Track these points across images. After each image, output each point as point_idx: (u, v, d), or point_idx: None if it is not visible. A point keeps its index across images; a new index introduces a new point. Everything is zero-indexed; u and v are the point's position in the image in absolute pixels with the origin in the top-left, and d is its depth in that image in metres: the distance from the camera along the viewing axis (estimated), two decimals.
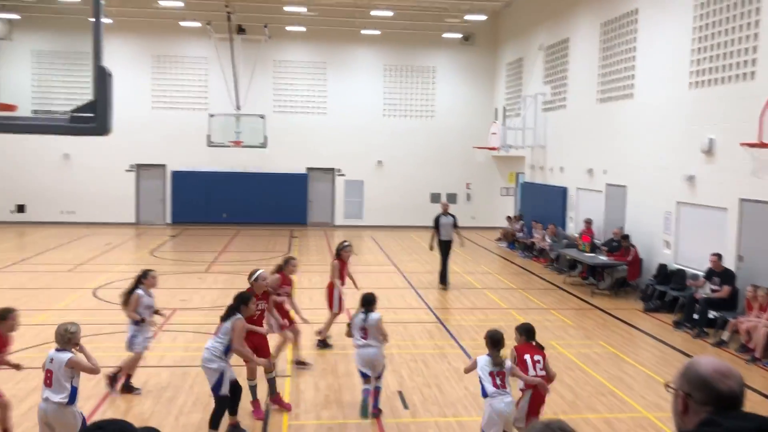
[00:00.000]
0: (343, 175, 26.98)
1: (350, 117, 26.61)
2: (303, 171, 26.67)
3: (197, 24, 24.57)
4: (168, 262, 18.10)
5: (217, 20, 23.91)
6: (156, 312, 8.89)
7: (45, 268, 16.63)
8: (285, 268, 9.36)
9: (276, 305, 9.01)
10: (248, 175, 26.19)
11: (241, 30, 24.67)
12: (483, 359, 6.25)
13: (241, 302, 7.29)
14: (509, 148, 21.98)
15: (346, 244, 10.97)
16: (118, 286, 14.64)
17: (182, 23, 24.60)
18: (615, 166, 16.51)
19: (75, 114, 4.72)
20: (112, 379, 8.42)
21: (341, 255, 10.79)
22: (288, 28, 25.37)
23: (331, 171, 26.98)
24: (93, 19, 4.67)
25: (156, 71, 25.63)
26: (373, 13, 23.48)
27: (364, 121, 26.69)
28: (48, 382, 5.95)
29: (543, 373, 6.42)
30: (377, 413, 7.79)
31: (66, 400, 5.90)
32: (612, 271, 15.16)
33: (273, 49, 25.80)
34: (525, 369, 6.34)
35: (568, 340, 11.25)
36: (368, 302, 7.80)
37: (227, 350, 7.07)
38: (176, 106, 25.93)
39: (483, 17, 24.65)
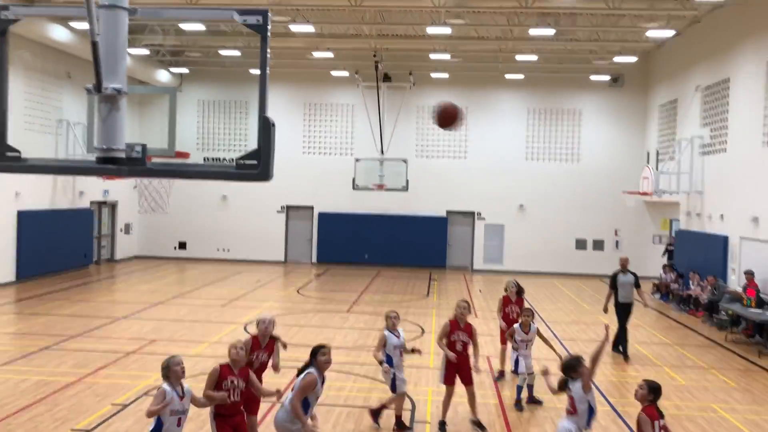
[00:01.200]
0: (483, 218, 26.78)
1: (492, 160, 26.49)
2: (443, 214, 26.78)
3: (346, 73, 25.73)
4: (313, 301, 18.73)
5: (365, 69, 24.91)
6: (412, 350, 8.64)
7: (202, 302, 17.76)
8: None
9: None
10: (390, 218, 26.71)
11: (387, 78, 25.53)
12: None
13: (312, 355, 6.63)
14: (662, 193, 20.80)
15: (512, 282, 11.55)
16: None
17: (332, 73, 25.87)
18: None
19: (240, 161, 5.05)
20: (375, 414, 8.78)
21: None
22: (432, 75, 25.89)
23: (471, 214, 26.88)
24: (259, 72, 5.01)
25: (307, 118, 27.03)
26: (518, 57, 23.42)
27: (506, 165, 26.45)
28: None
29: None
30: None
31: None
32: None
33: (417, 95, 26.41)
34: None
35: (732, 404, 10.27)
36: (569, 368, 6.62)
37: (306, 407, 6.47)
38: (324, 151, 27.13)
39: (633, 59, 23.82)
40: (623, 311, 13.15)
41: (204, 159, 25.60)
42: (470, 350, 8.72)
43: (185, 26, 19.78)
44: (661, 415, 6.01)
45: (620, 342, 13.13)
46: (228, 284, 21.07)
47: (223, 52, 23.69)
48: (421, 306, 18.32)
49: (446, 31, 19.90)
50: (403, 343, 8.63)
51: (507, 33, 21.40)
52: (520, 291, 11.38)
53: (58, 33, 19.01)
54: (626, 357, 12.97)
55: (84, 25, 19.34)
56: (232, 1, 17.22)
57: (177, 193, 25.79)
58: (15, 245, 19.57)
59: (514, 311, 11.10)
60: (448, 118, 6.74)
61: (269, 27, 5.00)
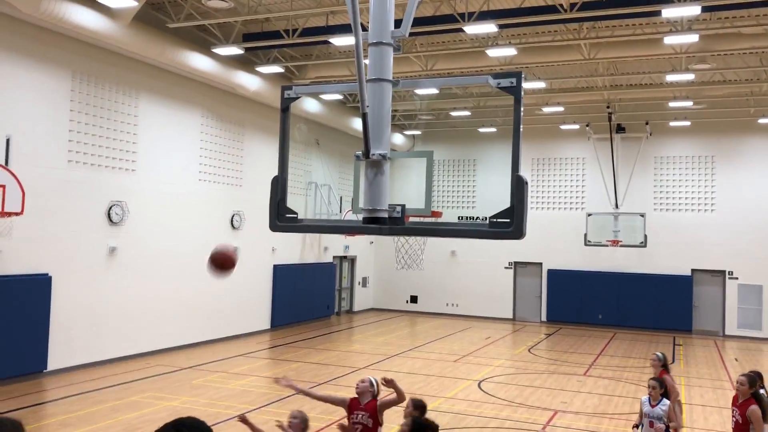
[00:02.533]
0: (735, 278, 24.11)
1: (744, 213, 23.92)
2: (687, 273, 24.60)
3: (576, 126, 25.20)
4: (544, 361, 18.14)
5: (596, 121, 24.19)
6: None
7: (435, 356, 18.09)
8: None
9: None
10: (626, 276, 25.18)
11: (620, 129, 24.54)
12: None
13: None
14: None
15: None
16: (500, 380, 15.16)
17: (562, 127, 25.50)
18: None
19: (493, 219, 5.14)
20: None
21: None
22: (671, 124, 24.35)
23: (721, 273, 24.36)
24: (513, 132, 5.10)
25: (535, 173, 26.81)
26: None
27: (761, 218, 23.70)
28: None
29: None
30: None
31: None
32: None
33: (654, 145, 24.98)
34: None
35: None
36: None
37: None
38: (554, 206, 26.60)
39: None
40: None
41: (458, 218, 26.49)
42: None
43: (420, 91, 20.90)
44: None
45: None
46: (458, 339, 21.24)
47: (454, 113, 24.56)
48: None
49: (689, 77, 18.70)
50: (658, 415, 7.92)
51: (760, 74, 19.50)
52: (665, 365, 9.41)
53: (310, 105, 21.17)
54: None
55: (331, 97, 21.35)
56: (459, 65, 17.81)
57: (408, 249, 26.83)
58: (271, 296, 21.72)
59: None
60: (221, 263, 6.16)
61: (523, 87, 5.09)
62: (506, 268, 27.13)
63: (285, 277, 22.17)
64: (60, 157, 14.24)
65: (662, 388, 8.02)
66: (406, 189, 23.80)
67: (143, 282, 16.45)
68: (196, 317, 18.23)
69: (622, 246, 23.28)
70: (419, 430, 5.67)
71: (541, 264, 26.64)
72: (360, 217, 5.31)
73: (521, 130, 5.07)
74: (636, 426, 8.11)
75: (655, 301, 24.62)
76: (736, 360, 19.11)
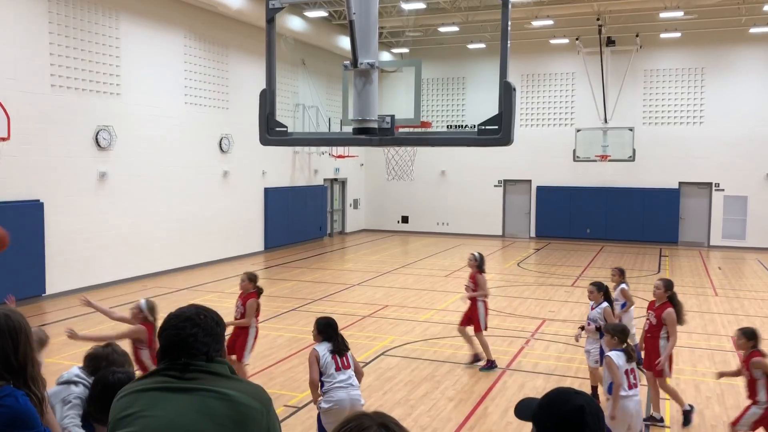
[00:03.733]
0: (721, 190, 24.43)
1: (732, 125, 23.99)
2: (674, 186, 24.89)
3: (565, 41, 24.83)
4: (533, 274, 18.57)
5: (586, 35, 23.85)
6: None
7: (426, 272, 18.47)
8: None
9: None
10: (614, 190, 25.45)
11: (610, 42, 24.23)
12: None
13: None
14: None
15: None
16: (490, 293, 15.54)
17: (551, 41, 25.12)
18: None
19: (482, 127, 5.19)
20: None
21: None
22: (662, 36, 24.02)
23: (707, 186, 24.66)
24: (501, 38, 5.09)
25: (525, 90, 26.59)
26: (766, 8, 20.84)
27: (749, 130, 23.79)
28: None
29: None
30: None
31: None
32: None
33: (644, 58, 24.74)
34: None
35: None
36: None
37: None
38: (543, 123, 26.54)
39: None
40: None
41: (447, 127, 26.33)
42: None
43: (407, 6, 20.43)
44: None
45: None
46: (449, 256, 21.63)
47: (442, 29, 24.10)
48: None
49: None
50: (593, 317, 8.34)
51: None
52: (480, 265, 9.82)
53: (295, 23, 20.69)
54: None
55: (316, 14, 20.84)
56: None
57: (400, 170, 26.86)
58: (263, 218, 21.89)
59: (469, 287, 9.92)
60: None
61: None
62: (495, 186, 27.31)
63: (276, 200, 22.28)
64: (43, 83, 14.00)
65: (600, 291, 8.37)
66: (395, 101, 23.65)
67: (135, 206, 16.52)
68: (190, 240, 18.42)
69: (610, 161, 23.44)
70: (325, 327, 6.48)
71: (530, 181, 26.83)
72: (350, 129, 5.35)
73: (509, 36, 5.06)
74: (581, 327, 8.63)
75: (643, 215, 25.00)
76: (720, 269, 19.64)
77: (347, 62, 5.14)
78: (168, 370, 2.32)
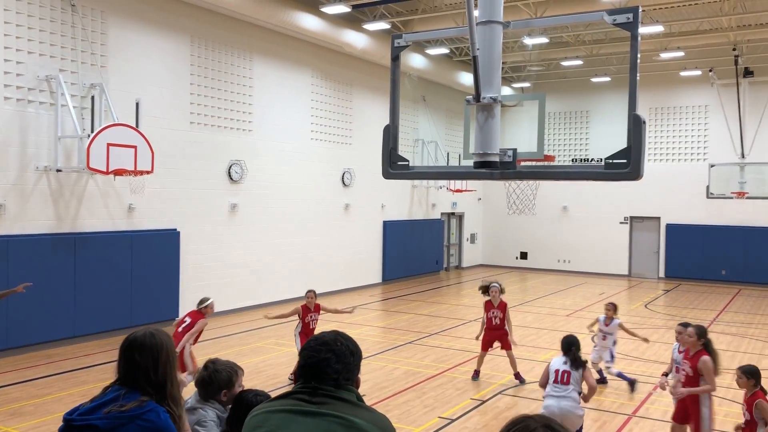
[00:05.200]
0: None
1: None
2: None
3: (697, 72, 23.68)
4: (662, 316, 17.56)
5: (720, 66, 22.65)
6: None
7: (546, 310, 17.94)
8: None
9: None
10: (753, 230, 23.70)
11: (748, 73, 22.86)
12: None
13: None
14: None
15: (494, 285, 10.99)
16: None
17: (682, 73, 24.03)
18: None
19: (609, 160, 5.04)
20: None
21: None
22: None
23: None
24: (629, 70, 4.96)
25: (653, 123, 25.50)
26: None
27: None
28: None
29: None
30: None
31: None
32: None
33: None
34: None
35: None
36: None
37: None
38: (672, 158, 25.29)
39: None
40: None
41: (572, 160, 25.77)
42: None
43: (529, 41, 20.31)
44: None
45: None
46: (570, 295, 20.92)
47: (565, 63, 23.71)
48: None
49: None
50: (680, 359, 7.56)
51: None
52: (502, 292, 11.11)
53: (416, 60, 21.12)
54: None
55: (437, 51, 21.19)
56: (568, 11, 17.09)
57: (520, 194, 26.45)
58: (381, 251, 22.22)
59: (497, 316, 10.93)
60: None
61: (640, 23, 4.92)
62: (621, 222, 26.21)
63: (395, 233, 22.57)
64: (183, 119, 15.11)
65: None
66: (517, 135, 23.36)
67: (262, 237, 17.31)
68: (312, 270, 19.00)
69: (748, 198, 21.85)
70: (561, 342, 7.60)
71: (659, 218, 25.54)
72: (471, 163, 5.36)
73: (638, 67, 4.92)
74: (665, 374, 7.99)
75: None
76: None
77: (470, 97, 5.18)
78: (299, 393, 2.40)
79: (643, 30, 19.02)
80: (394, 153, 5.73)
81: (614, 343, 10.91)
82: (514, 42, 21.52)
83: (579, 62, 23.33)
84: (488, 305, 11.04)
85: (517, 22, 5.55)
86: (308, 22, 16.78)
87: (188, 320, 9.17)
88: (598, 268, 26.29)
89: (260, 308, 16.96)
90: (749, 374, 6.31)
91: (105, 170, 11.91)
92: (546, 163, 5.61)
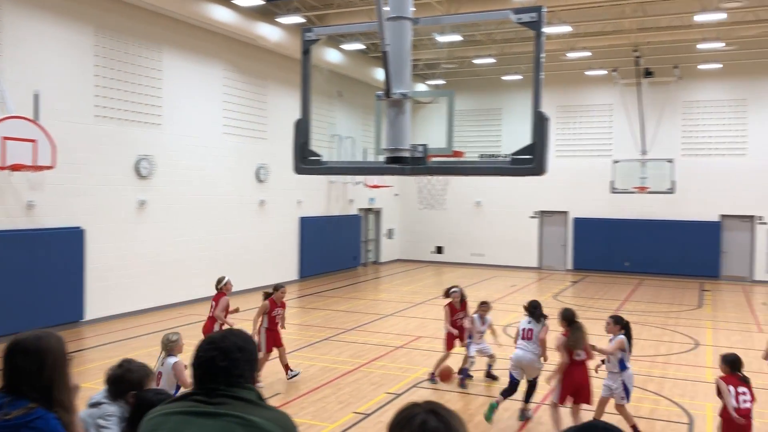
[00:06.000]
0: (765, 223, 23.79)
1: None
2: (715, 218, 24.33)
3: (602, 72, 24.71)
4: (569, 305, 18.22)
5: (623, 66, 23.72)
6: None
7: None
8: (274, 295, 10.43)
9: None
10: (653, 223, 24.99)
11: (648, 73, 24.03)
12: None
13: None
14: None
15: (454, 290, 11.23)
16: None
17: (587, 73, 25.02)
18: None
19: (515, 156, 5.17)
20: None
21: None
22: (700, 67, 23.74)
23: (750, 218, 24.05)
24: (533, 68, 5.10)
25: (560, 121, 26.44)
26: None
27: None
28: (158, 383, 6.66)
29: (748, 405, 6.58)
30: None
31: None
32: None
33: (683, 89, 24.45)
34: (731, 400, 6.61)
35: None
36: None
37: None
38: (579, 154, 26.31)
39: None
40: None
41: (480, 156, 26.28)
42: None
43: (442, 38, 20.60)
44: (743, 383, 6.73)
45: None
46: (483, 288, 21.41)
47: (477, 61, 24.20)
48: (693, 317, 16.89)
49: (719, 17, 18.15)
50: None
51: None
52: (463, 297, 11.40)
53: (332, 56, 21.03)
54: None
55: (353, 47, 21.17)
56: (481, 8, 17.48)
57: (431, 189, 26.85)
58: (298, 247, 22.04)
59: (461, 317, 11.10)
60: None
61: (544, 22, 5.06)
62: (531, 217, 27.06)
63: (311, 229, 22.43)
64: (87, 113, 14.44)
65: (617, 325, 8.24)
66: (429, 131, 23.70)
67: (173, 234, 16.80)
68: (226, 268, 18.57)
69: (649, 192, 23.03)
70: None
71: (566, 213, 26.53)
72: (383, 158, 5.38)
73: (542, 66, 5.06)
74: (603, 361, 8.49)
75: (683, 248, 24.45)
76: (764, 304, 19.04)
77: (380, 92, 5.20)
78: (196, 394, 2.34)
79: (550, 30, 19.68)
80: (305, 148, 5.67)
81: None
82: (428, 39, 21.78)
83: (491, 60, 23.88)
84: (452, 308, 11.10)
85: (426, 18, 5.61)
86: (220, 13, 16.40)
87: (214, 304, 10.35)
88: (509, 261, 27.05)
89: (171, 308, 16.47)
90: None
91: (0, 165, 11.23)
92: (455, 159, 5.68)
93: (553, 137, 26.51)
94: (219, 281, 10.60)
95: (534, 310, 9.02)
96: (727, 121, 24.27)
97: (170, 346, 7.06)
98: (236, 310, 10.58)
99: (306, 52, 5.72)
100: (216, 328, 9.99)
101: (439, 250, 28.60)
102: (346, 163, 6.30)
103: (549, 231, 27.01)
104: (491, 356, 10.78)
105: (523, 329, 8.95)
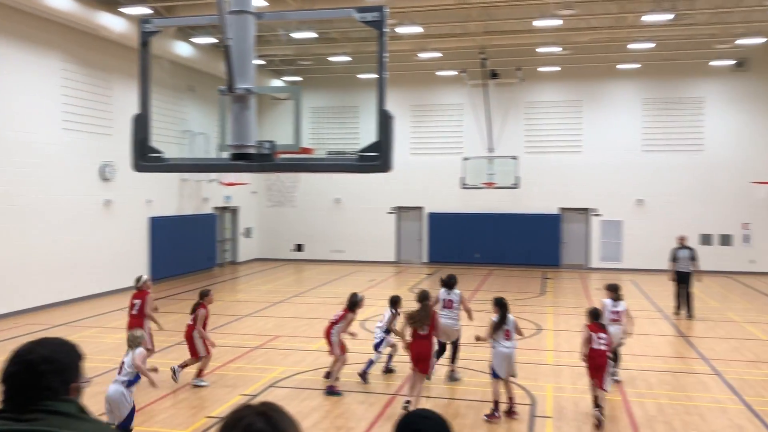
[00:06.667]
0: (599, 215, 25.93)
1: (607, 154, 25.61)
2: (556, 211, 26.17)
3: (452, 73, 25.72)
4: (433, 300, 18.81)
5: (472, 67, 24.81)
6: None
7: (319, 300, 18.34)
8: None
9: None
10: (500, 216, 26.41)
11: (494, 75, 25.31)
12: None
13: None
14: None
15: None
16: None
17: (438, 73, 25.94)
18: None
19: (361, 154, 5.24)
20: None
21: None
22: (540, 69, 25.39)
23: (585, 211, 26.11)
24: (377, 67, 5.18)
25: (415, 120, 27.23)
26: (631, 46, 22.52)
27: (622, 158, 25.49)
28: (119, 370, 7.52)
29: (603, 347, 8.57)
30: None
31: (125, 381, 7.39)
32: None
33: (525, 90, 26.01)
34: (592, 342, 8.62)
35: None
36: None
37: None
38: (433, 152, 27.24)
39: (760, 40, 22.27)
40: (681, 279, 16.34)
41: (327, 153, 26.34)
42: None
43: (297, 35, 20.49)
44: (602, 329, 8.78)
45: (681, 304, 16.37)
46: (342, 284, 21.61)
47: (334, 59, 24.33)
48: (536, 304, 18.04)
49: (555, 23, 19.48)
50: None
51: (620, 21, 20.65)
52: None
53: (182, 49, 20.25)
54: (689, 314, 16.10)
55: (205, 40, 20.52)
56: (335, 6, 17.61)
57: (294, 197, 26.74)
58: (148, 249, 21.02)
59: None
60: None
61: (386, 21, 5.16)
62: (389, 213, 27.65)
63: (163, 230, 21.49)
64: None
65: (496, 306, 9.51)
66: (282, 128, 23.54)
67: (10, 238, 15.43)
68: (69, 273, 17.39)
69: (496, 188, 24.29)
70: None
71: (422, 208, 27.38)
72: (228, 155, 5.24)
73: (385, 65, 5.16)
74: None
75: (528, 239, 26.06)
76: (598, 289, 20.71)
77: (223, 87, 5.06)
78: (5, 412, 2.16)
79: (402, 30, 20.20)
80: (145, 144, 5.40)
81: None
82: (284, 34, 21.57)
83: (347, 59, 24.08)
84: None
85: (270, 13, 5.54)
86: (55, 0, 15.24)
87: (138, 302, 10.70)
88: (369, 256, 27.49)
89: (10, 317, 15.13)
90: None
91: None
92: (304, 156, 5.65)
93: (408, 135, 27.26)
94: (138, 279, 10.98)
95: (449, 281, 10.69)
96: (565, 121, 26.16)
97: (136, 342, 7.80)
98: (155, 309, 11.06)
99: (144, 44, 5.43)
100: (146, 326, 10.55)
101: (299, 248, 28.48)
102: (189, 159, 6.11)
103: (406, 226, 27.76)
104: (393, 346, 11.02)
105: (444, 299, 10.57)
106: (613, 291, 10.53)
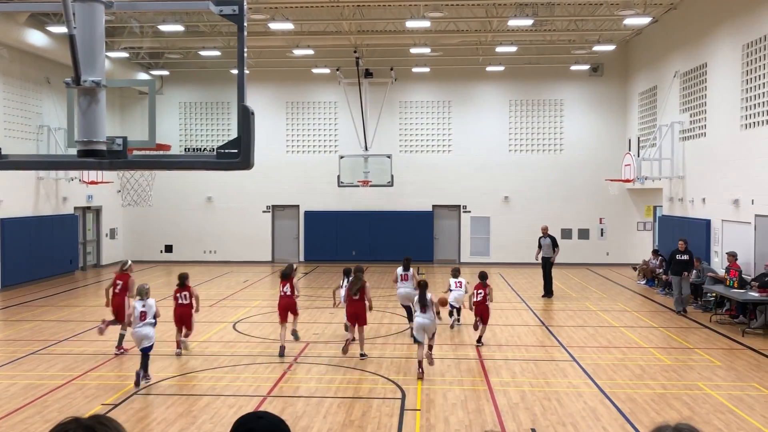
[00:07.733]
0: (468, 211, 26.90)
1: (476, 153, 26.61)
2: (429, 208, 26.86)
3: (327, 70, 25.72)
4: (301, 298, 18.66)
5: (346, 66, 24.94)
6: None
7: None
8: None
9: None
10: (376, 214, 26.75)
11: (368, 74, 25.56)
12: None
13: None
14: (644, 179, 21.02)
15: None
16: (255, 320, 15.37)
17: (314, 70, 25.85)
18: (764, 196, 15.31)
19: (221, 150, 5.09)
20: None
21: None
22: (413, 70, 25.96)
23: (456, 208, 27.00)
24: (237, 61, 5.05)
25: (290, 117, 26.99)
26: (498, 49, 23.54)
27: (490, 157, 26.58)
28: (144, 317, 10.38)
29: (480, 299, 12.79)
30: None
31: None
32: (765, 309, 13.94)
33: (399, 90, 26.49)
34: (475, 296, 12.91)
35: (717, 382, 10.42)
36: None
37: None
38: (308, 150, 27.12)
39: (612, 47, 24.00)
40: (545, 264, 18.85)
41: (185, 150, 25.45)
42: None
43: (164, 27, 19.69)
44: (483, 287, 12.87)
45: (546, 287, 18.79)
46: (215, 285, 21.05)
47: (203, 53, 23.60)
48: None
49: (425, 24, 19.98)
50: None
51: (486, 25, 21.51)
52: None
53: (36, 38, 18.89)
54: (550, 295, 18.71)
55: (62, 29, 19.25)
56: None
57: (161, 196, 25.67)
58: None
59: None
60: None
61: (245, 16, 5.04)
62: (264, 211, 27.23)
63: (16, 232, 19.94)
64: None
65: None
66: (137, 124, 22.56)
67: None
68: None
69: (372, 186, 24.57)
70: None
71: (298, 206, 27.19)
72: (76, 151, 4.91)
73: (245, 61, 5.03)
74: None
75: (402, 236, 26.55)
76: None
77: (69, 79, 4.74)
78: None
79: (274, 26, 19.94)
80: None
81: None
82: (150, 27, 20.64)
83: (217, 53, 23.44)
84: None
85: (121, 2, 5.25)
86: None
87: (120, 282, 12.28)
88: (243, 256, 26.94)
89: None
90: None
91: None
92: (160, 153, 5.43)
93: (284, 133, 26.99)
94: (123, 264, 12.70)
95: (406, 263, 14.02)
96: (436, 121, 26.91)
97: (147, 292, 10.66)
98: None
99: None
100: (126, 302, 11.95)
101: (169, 248, 27.40)
102: (34, 156, 5.63)
103: (281, 225, 27.44)
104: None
105: (401, 275, 13.87)
106: (455, 272, 15.08)
